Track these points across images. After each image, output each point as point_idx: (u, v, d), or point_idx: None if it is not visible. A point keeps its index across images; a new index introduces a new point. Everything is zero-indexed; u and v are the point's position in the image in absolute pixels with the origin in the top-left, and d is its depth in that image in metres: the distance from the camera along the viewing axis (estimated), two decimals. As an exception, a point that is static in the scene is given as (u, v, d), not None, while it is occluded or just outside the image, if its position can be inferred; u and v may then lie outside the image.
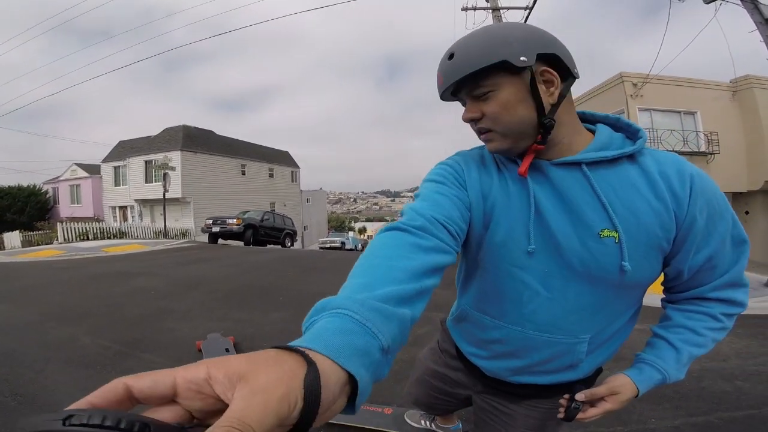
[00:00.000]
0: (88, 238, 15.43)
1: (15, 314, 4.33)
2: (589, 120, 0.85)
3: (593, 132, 0.80)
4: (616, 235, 0.70)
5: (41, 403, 2.30)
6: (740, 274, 0.77)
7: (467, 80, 0.72)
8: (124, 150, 24.84)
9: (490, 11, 11.95)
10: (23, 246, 15.18)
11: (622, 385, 0.78)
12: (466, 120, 0.76)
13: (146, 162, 22.89)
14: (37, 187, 27.94)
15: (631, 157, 0.75)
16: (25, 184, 27.28)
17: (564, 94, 0.73)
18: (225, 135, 27.23)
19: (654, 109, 12.63)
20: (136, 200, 23.61)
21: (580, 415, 0.79)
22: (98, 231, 16.12)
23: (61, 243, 14.72)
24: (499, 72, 0.69)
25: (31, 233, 16.90)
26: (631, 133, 0.79)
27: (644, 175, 0.72)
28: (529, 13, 10.80)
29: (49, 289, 5.81)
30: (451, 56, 0.72)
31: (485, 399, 1.02)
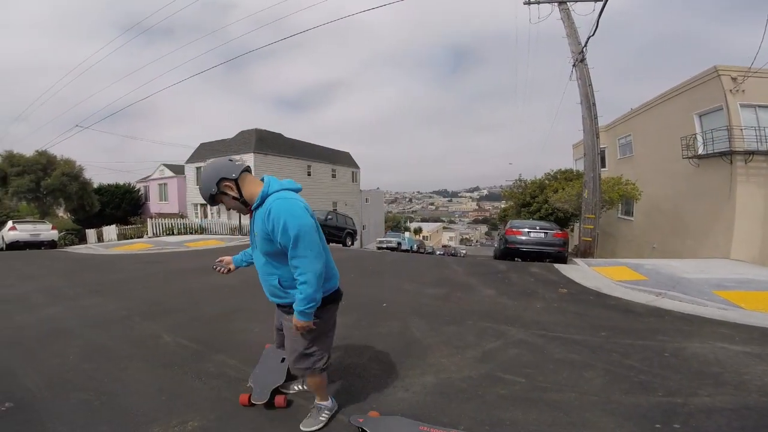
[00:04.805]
0: (173, 233, 16.85)
1: (106, 307, 4.69)
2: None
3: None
4: (256, 233, 1.92)
5: (121, 403, 2.36)
6: (291, 252, 1.84)
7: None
8: (204, 151, 26.86)
9: (557, 5, 11.04)
10: (118, 239, 16.94)
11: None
12: (228, 210, 2.16)
13: (224, 163, 24.47)
14: (131, 185, 31.17)
15: (261, 203, 1.90)
16: (121, 182, 30.56)
17: (239, 184, 1.90)
18: (291, 137, 28.41)
19: (759, 106, 10.92)
20: (214, 199, 25.33)
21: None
22: (182, 226, 17.57)
23: (150, 237, 16.20)
24: (212, 196, 1.91)
25: (126, 227, 18.82)
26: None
27: (261, 212, 1.88)
28: (604, 5, 9.79)
29: (137, 283, 6.30)
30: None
31: (284, 319, 2.09)
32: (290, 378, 2.59)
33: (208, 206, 26.51)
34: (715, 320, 4.14)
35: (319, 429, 2.09)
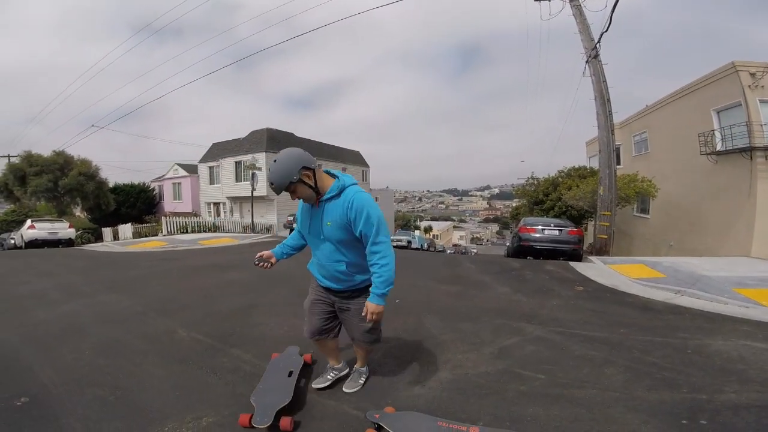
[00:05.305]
0: (187, 231, 17.02)
1: (122, 304, 4.73)
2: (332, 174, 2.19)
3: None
4: (330, 222, 2.11)
5: (136, 399, 2.36)
6: (373, 239, 2.08)
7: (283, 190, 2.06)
8: (217, 151, 27.13)
9: (568, 1, 10.79)
10: (134, 237, 17.17)
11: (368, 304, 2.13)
12: (294, 199, 2.15)
13: (236, 163, 24.79)
14: (146, 184, 31.61)
15: (338, 195, 2.11)
16: (135, 182, 31.00)
17: (316, 174, 2.08)
18: (302, 136, 28.54)
19: (779, 101, 10.55)
20: (227, 197, 25.67)
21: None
22: (195, 225, 17.75)
23: (164, 235, 16.40)
24: (290, 184, 2.02)
25: (141, 226, 19.07)
26: (336, 178, 2.17)
27: (340, 202, 2.09)
28: (617, 1, 9.54)
29: (152, 279, 6.35)
30: (272, 184, 2.02)
31: (340, 302, 2.31)
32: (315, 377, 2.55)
33: (221, 205, 26.95)
34: (737, 318, 4.03)
35: (358, 390, 2.45)
